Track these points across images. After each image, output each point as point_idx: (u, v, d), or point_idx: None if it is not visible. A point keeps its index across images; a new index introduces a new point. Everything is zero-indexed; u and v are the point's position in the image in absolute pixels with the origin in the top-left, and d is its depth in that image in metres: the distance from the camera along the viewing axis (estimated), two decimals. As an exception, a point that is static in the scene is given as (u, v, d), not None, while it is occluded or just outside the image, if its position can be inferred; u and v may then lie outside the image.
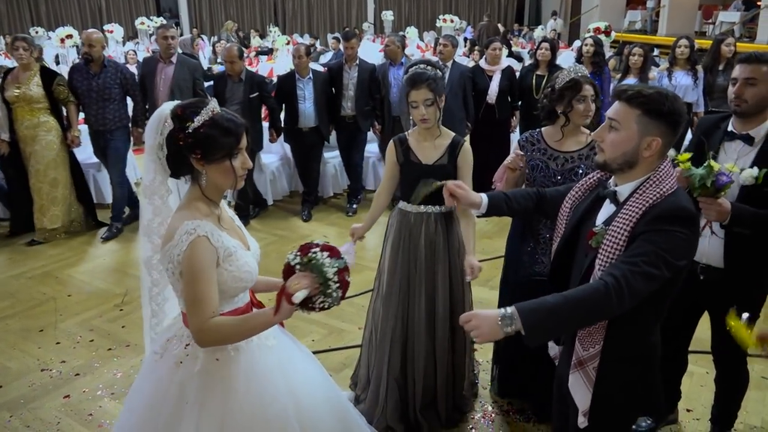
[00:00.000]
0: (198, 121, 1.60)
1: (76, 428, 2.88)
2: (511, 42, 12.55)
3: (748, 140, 2.24)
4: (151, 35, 14.27)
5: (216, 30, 18.36)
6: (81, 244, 5.19)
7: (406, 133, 2.75)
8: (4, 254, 4.97)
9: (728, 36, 6.29)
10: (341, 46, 6.91)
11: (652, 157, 1.64)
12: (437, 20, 12.26)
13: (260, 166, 5.86)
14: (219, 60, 9.60)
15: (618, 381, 1.69)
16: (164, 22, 6.67)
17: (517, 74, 5.98)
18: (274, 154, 6.18)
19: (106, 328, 3.78)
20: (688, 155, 2.09)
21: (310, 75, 5.47)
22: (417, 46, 12.92)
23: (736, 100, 2.23)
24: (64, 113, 5.15)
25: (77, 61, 7.18)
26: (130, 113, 5.33)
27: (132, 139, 5.37)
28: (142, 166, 1.74)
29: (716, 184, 2.01)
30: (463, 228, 2.68)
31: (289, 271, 1.59)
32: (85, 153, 5.72)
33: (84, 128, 5.35)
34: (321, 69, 5.92)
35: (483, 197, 2.00)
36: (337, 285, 1.54)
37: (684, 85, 5.57)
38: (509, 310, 1.51)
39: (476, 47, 10.51)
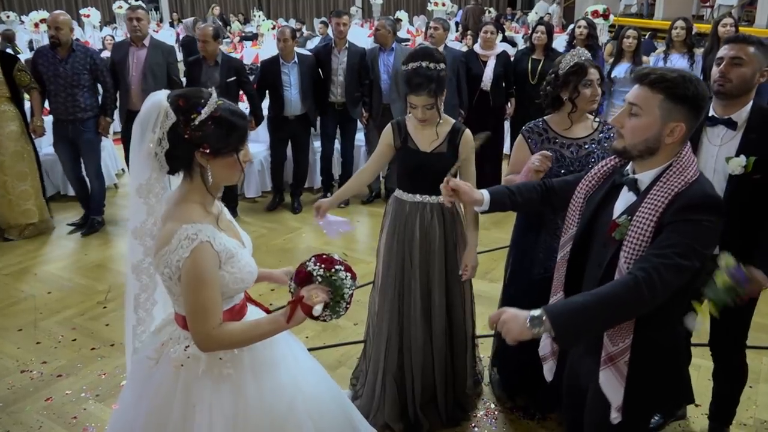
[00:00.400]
0: (205, 113, 1.53)
1: (58, 433, 2.76)
2: (504, 27, 12.38)
3: (731, 125, 2.20)
4: (129, 20, 13.88)
5: (197, 14, 17.96)
6: (58, 239, 5.00)
7: (405, 116, 2.62)
8: (-24, 251, 4.76)
9: (726, 17, 6.19)
10: (330, 30, 6.70)
11: (675, 143, 1.59)
12: (428, 4, 11.99)
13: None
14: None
15: (650, 372, 1.66)
16: (136, 3, 6.36)
17: (512, 59, 5.81)
18: (262, 143, 5.95)
19: (89, 326, 3.65)
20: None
21: (296, 59, 5.26)
22: (407, 30, 12.71)
23: (720, 79, 2.19)
24: (26, 102, 4.84)
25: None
26: None
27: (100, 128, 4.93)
28: (132, 161, 1.63)
29: (742, 285, 1.70)
30: (469, 221, 2.59)
31: (306, 277, 1.61)
32: (46, 145, 5.39)
33: (47, 119, 4.99)
34: (307, 53, 5.71)
35: (485, 193, 1.94)
36: (347, 306, 1.62)
37: (679, 67, 5.46)
38: (538, 311, 1.50)
39: (468, 31, 10.33)
